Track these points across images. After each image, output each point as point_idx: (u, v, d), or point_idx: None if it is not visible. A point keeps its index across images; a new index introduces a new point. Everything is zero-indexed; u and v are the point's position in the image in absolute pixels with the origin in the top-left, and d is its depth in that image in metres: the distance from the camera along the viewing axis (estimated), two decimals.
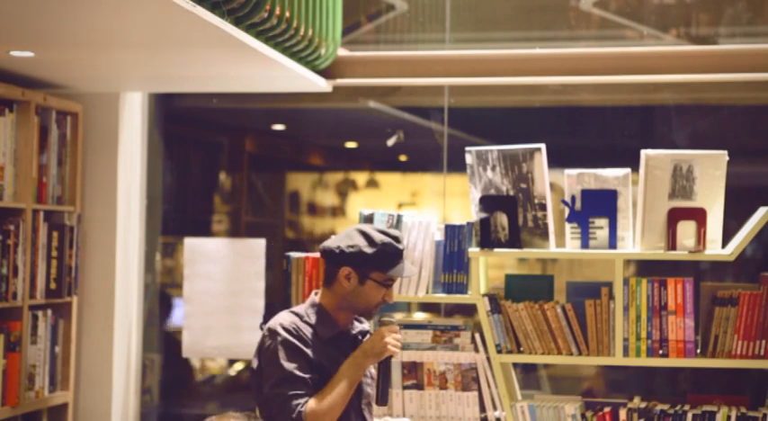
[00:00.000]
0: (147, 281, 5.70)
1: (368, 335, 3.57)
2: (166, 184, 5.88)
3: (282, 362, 3.40)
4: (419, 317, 5.68)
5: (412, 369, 4.21)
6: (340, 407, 3.41)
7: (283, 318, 3.51)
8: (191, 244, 5.65)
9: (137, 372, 5.58)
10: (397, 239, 3.52)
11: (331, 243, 3.51)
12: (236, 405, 5.17)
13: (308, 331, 3.47)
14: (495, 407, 4.16)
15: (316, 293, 3.58)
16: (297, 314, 3.53)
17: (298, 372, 3.39)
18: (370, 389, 3.60)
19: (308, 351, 3.43)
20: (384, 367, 3.52)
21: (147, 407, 5.71)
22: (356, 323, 3.63)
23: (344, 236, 3.52)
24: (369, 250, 3.48)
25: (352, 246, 3.49)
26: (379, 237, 3.50)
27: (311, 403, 3.37)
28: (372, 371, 3.62)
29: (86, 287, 5.37)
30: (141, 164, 5.62)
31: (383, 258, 3.48)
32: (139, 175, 5.60)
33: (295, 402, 3.36)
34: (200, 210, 6.28)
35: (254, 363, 3.50)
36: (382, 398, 3.54)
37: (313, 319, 3.51)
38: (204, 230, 6.16)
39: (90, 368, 5.37)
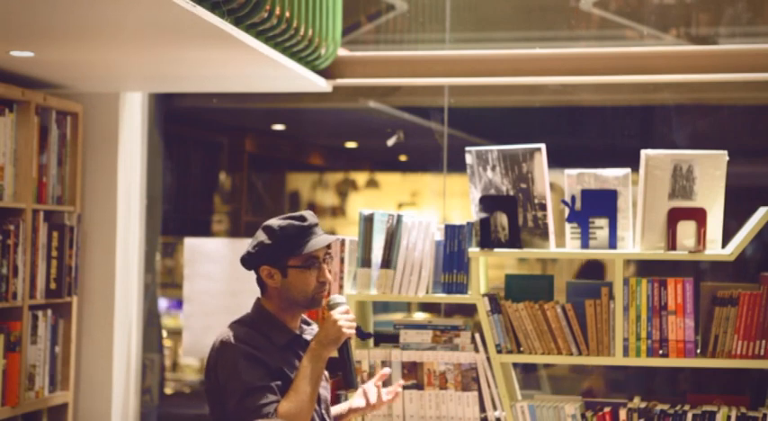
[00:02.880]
0: (147, 281, 5.70)
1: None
2: (166, 184, 5.88)
3: (244, 375, 3.27)
4: (419, 317, 5.68)
5: (412, 369, 4.21)
6: (309, 407, 3.29)
7: (234, 329, 3.38)
8: (191, 244, 5.65)
9: (137, 372, 5.58)
10: (298, 218, 3.39)
11: (244, 252, 3.43)
12: None
13: (261, 339, 3.36)
14: (495, 407, 4.16)
15: (258, 302, 3.47)
16: (245, 323, 3.41)
17: (262, 382, 3.27)
18: (327, 393, 3.50)
19: (267, 359, 3.32)
20: (345, 350, 3.41)
21: (147, 407, 5.71)
22: (305, 326, 3.51)
23: (253, 239, 3.43)
24: (269, 241, 3.37)
25: (256, 246, 3.39)
26: (276, 224, 3.38)
27: (280, 408, 3.25)
28: (326, 373, 3.50)
29: (86, 287, 5.37)
30: (141, 164, 5.62)
31: (289, 242, 3.36)
32: (139, 175, 5.60)
33: (265, 411, 3.24)
34: (200, 210, 6.29)
35: (209, 381, 3.36)
36: (351, 382, 3.44)
37: (264, 327, 3.40)
38: (204, 230, 6.16)
39: (90, 368, 5.36)
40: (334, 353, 3.42)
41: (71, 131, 5.18)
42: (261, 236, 3.40)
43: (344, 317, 3.37)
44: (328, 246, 3.45)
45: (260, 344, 3.34)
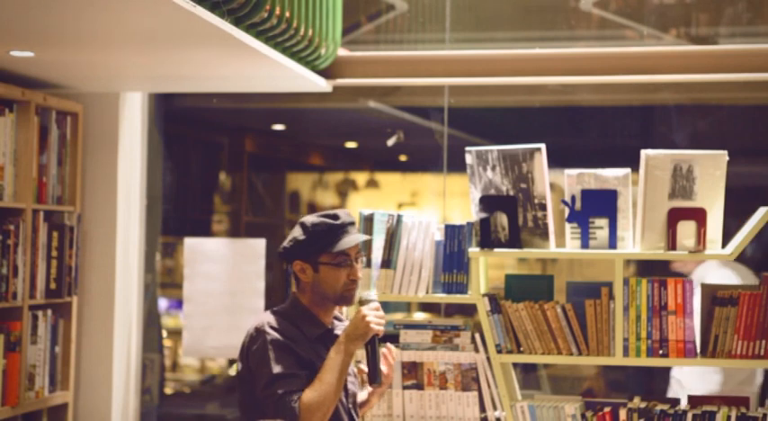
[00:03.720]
0: (147, 281, 5.70)
1: None
2: (166, 184, 5.88)
3: (273, 363, 3.36)
4: (419, 317, 5.68)
5: (412, 369, 4.21)
6: (333, 397, 3.36)
7: (270, 318, 3.47)
8: (191, 244, 5.65)
9: (137, 372, 5.58)
10: (331, 216, 3.47)
11: (281, 246, 3.52)
12: (235, 405, 5.15)
13: (294, 330, 3.44)
14: (495, 407, 4.16)
15: (293, 295, 3.55)
16: (281, 314, 3.50)
17: (291, 370, 3.36)
18: (355, 388, 3.57)
19: (298, 349, 3.40)
20: (371, 347, 3.48)
21: (147, 407, 5.71)
22: (336, 322, 3.59)
23: (289, 233, 3.52)
24: (302, 237, 3.46)
25: (291, 240, 3.48)
26: (310, 221, 3.47)
27: (304, 396, 3.32)
28: (354, 369, 3.60)
29: (86, 287, 5.37)
30: (141, 164, 5.62)
31: (321, 239, 3.45)
32: (139, 175, 5.60)
33: (289, 398, 3.32)
34: (201, 210, 6.29)
35: (241, 366, 3.45)
36: (375, 378, 3.51)
37: (298, 319, 3.48)
38: (204, 230, 6.17)
39: (90, 368, 5.36)
40: (361, 349, 3.49)
41: (71, 131, 5.18)
42: (296, 231, 3.50)
43: (374, 314, 3.44)
44: (365, 246, 3.54)
45: (293, 335, 3.42)
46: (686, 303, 4.03)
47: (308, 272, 3.48)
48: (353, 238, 3.47)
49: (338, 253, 3.46)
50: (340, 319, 3.62)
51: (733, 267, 5.37)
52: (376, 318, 3.43)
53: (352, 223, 3.52)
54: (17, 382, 4.72)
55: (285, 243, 3.50)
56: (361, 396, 3.74)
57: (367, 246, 4.19)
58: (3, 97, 4.70)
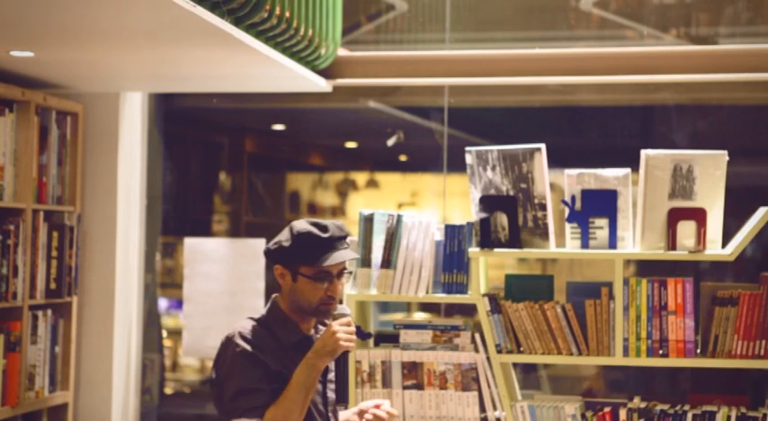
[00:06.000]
0: (147, 281, 5.70)
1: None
2: (166, 184, 5.88)
3: (240, 374, 3.25)
4: (419, 317, 5.68)
5: (412, 369, 4.21)
6: (298, 416, 3.23)
7: (242, 327, 3.34)
8: (191, 244, 5.66)
9: (137, 372, 5.58)
10: (321, 228, 3.31)
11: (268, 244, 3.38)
12: None
13: (268, 338, 3.32)
14: (495, 407, 4.16)
15: (274, 299, 3.43)
16: (257, 320, 3.37)
17: (255, 385, 3.24)
18: (333, 394, 3.44)
19: (268, 360, 3.28)
20: (341, 364, 3.35)
21: (147, 407, 5.71)
22: (321, 327, 3.46)
23: (280, 234, 3.37)
24: (287, 244, 3.31)
25: (276, 243, 3.35)
26: (297, 228, 3.31)
27: (268, 413, 3.21)
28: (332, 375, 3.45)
29: (86, 287, 5.37)
30: (141, 164, 5.62)
31: (304, 251, 3.29)
32: (139, 175, 5.60)
33: (252, 414, 3.21)
34: (201, 210, 6.29)
35: (214, 374, 3.36)
36: (341, 396, 3.39)
37: (274, 325, 3.36)
38: (204, 230, 6.16)
39: (90, 368, 5.37)
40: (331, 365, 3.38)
41: (71, 131, 5.18)
42: (284, 234, 3.35)
43: (344, 329, 3.29)
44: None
45: (264, 344, 3.32)
46: (686, 303, 4.03)
47: (287, 279, 3.35)
48: (338, 256, 3.31)
49: (319, 269, 3.30)
50: (325, 324, 3.47)
51: None
52: (346, 335, 3.28)
53: (343, 238, 3.36)
54: (17, 382, 4.72)
55: (271, 244, 3.36)
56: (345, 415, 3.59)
57: (367, 246, 4.19)
58: (3, 97, 4.70)
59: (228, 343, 3.33)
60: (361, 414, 3.54)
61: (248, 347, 3.29)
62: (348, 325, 3.32)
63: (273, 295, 3.45)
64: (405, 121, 5.89)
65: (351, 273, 3.60)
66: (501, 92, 5.68)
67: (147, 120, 5.66)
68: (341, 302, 3.46)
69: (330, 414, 3.44)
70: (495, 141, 4.31)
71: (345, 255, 3.34)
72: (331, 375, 3.45)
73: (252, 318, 3.40)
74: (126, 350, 5.49)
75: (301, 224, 3.34)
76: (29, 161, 4.82)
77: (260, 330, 3.35)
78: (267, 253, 3.39)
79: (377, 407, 3.52)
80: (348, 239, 3.42)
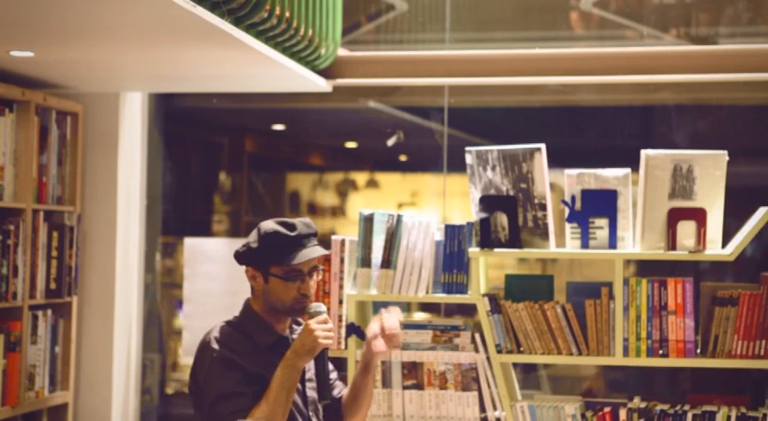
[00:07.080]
0: (147, 281, 5.70)
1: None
2: (166, 184, 5.88)
3: (219, 379, 3.23)
4: (419, 317, 5.68)
5: (412, 369, 4.21)
6: (281, 417, 3.22)
7: (217, 331, 3.33)
8: (191, 244, 5.65)
9: (137, 372, 5.58)
10: (288, 226, 3.30)
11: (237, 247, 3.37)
12: None
13: (244, 341, 3.31)
14: (495, 407, 4.16)
15: (247, 301, 3.42)
16: (231, 324, 3.36)
17: (235, 388, 3.22)
18: (315, 394, 3.42)
19: (246, 363, 3.27)
20: (321, 361, 3.34)
21: (147, 407, 5.71)
22: (295, 327, 3.45)
23: (248, 235, 3.36)
24: (255, 245, 3.31)
25: (245, 245, 3.34)
26: (265, 229, 3.30)
27: (250, 416, 3.19)
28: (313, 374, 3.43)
29: (86, 287, 5.37)
30: (141, 164, 5.62)
31: (273, 250, 3.28)
32: (139, 175, 5.60)
33: (234, 418, 3.19)
34: (201, 210, 6.29)
35: (192, 381, 3.32)
36: (324, 394, 3.37)
37: (249, 328, 3.34)
38: (204, 230, 6.16)
39: (90, 368, 5.37)
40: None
41: (71, 131, 5.18)
42: (252, 236, 3.35)
43: (321, 327, 3.27)
44: (326, 257, 3.36)
45: (240, 348, 3.30)
46: (686, 303, 4.03)
47: (259, 280, 3.34)
48: (307, 253, 3.30)
49: (289, 268, 3.30)
50: (300, 324, 3.47)
51: None
52: (324, 332, 3.26)
53: (311, 235, 3.35)
54: (17, 382, 4.72)
55: (239, 247, 3.35)
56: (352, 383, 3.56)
57: (367, 246, 4.19)
58: (3, 97, 4.70)
59: (205, 348, 3.31)
60: (382, 332, 3.49)
61: (225, 351, 3.28)
62: (325, 322, 3.30)
63: (246, 298, 3.44)
64: (405, 121, 5.89)
65: (323, 269, 3.57)
66: (501, 92, 5.68)
67: (147, 120, 5.66)
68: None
69: (311, 413, 3.42)
70: (495, 141, 4.31)
71: (314, 252, 3.33)
72: (309, 374, 3.43)
73: (227, 322, 3.38)
74: (126, 350, 5.49)
75: (268, 224, 3.33)
76: (29, 161, 4.82)
77: (235, 334, 3.34)
78: (237, 255, 3.37)
79: (382, 328, 3.48)
80: (317, 236, 3.39)
